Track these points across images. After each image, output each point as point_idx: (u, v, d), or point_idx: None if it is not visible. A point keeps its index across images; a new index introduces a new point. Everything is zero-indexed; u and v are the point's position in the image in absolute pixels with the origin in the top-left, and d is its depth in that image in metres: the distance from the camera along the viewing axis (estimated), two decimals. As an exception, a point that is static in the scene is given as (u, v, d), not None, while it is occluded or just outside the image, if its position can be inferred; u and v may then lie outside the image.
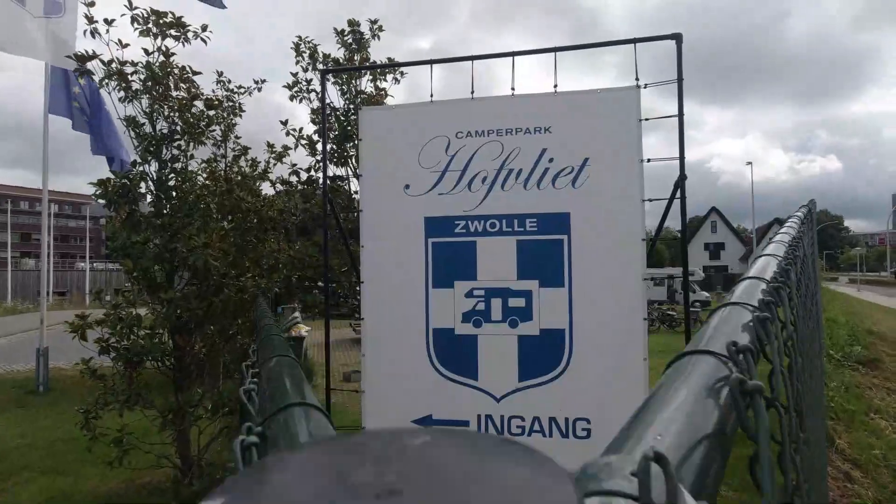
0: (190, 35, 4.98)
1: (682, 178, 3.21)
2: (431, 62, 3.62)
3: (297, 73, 5.60)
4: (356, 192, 5.52)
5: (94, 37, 4.58)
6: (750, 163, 30.77)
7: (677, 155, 3.27)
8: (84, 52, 4.67)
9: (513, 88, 3.45)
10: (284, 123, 5.69)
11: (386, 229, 3.62)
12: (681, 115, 3.20)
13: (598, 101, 3.31)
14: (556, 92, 3.38)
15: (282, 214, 5.30)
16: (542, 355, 3.33)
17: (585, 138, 3.31)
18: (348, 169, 5.61)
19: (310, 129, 7.31)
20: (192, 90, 5.01)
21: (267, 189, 6.11)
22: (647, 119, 3.26)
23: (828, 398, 3.86)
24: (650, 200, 3.29)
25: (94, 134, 5.87)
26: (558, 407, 3.30)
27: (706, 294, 27.68)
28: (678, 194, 3.24)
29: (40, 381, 9.23)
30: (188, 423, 5.20)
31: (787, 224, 1.59)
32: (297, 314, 10.02)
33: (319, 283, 5.98)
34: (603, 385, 3.22)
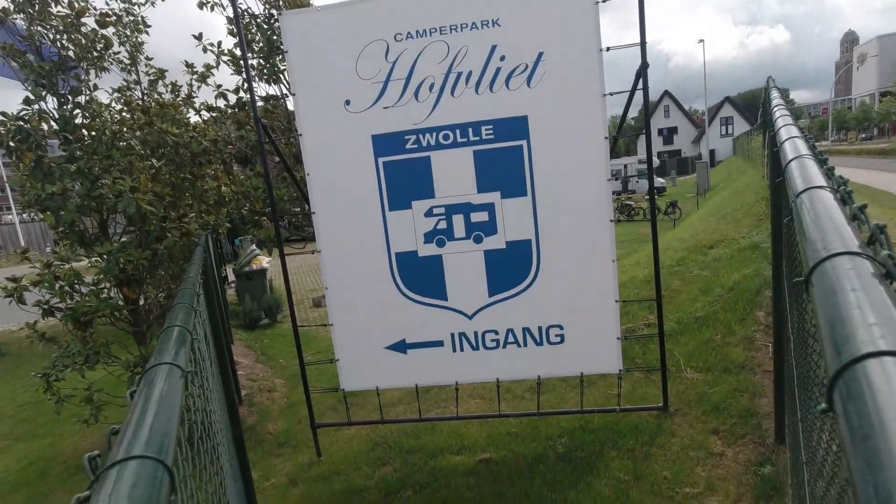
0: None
1: (644, 66, 2.96)
2: (356, -52, 3.07)
3: (202, -25, 4.79)
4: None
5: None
6: (702, 40, 30.05)
7: (636, 40, 2.99)
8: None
9: (454, -26, 2.99)
10: (198, 38, 4.97)
11: (330, 153, 3.30)
12: (642, -9, 2.88)
13: (551, -18, 2.92)
14: (502, -25, 2.95)
15: (216, 145, 4.79)
16: (511, 268, 3.25)
17: (538, 29, 2.97)
18: (282, 86, 5.04)
19: (230, 41, 6.49)
20: (77, 4, 4.22)
21: (194, 117, 5.50)
22: (603, 0, 2.92)
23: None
24: (611, 94, 3.06)
25: None
26: (531, 317, 3.29)
27: (661, 180, 28.44)
28: (640, 85, 3.02)
29: (-8, 346, 8.78)
30: (157, 372, 5.06)
31: (777, 113, 1.43)
32: (254, 246, 9.67)
33: (268, 210, 5.63)
34: (574, 290, 3.20)
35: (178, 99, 5.35)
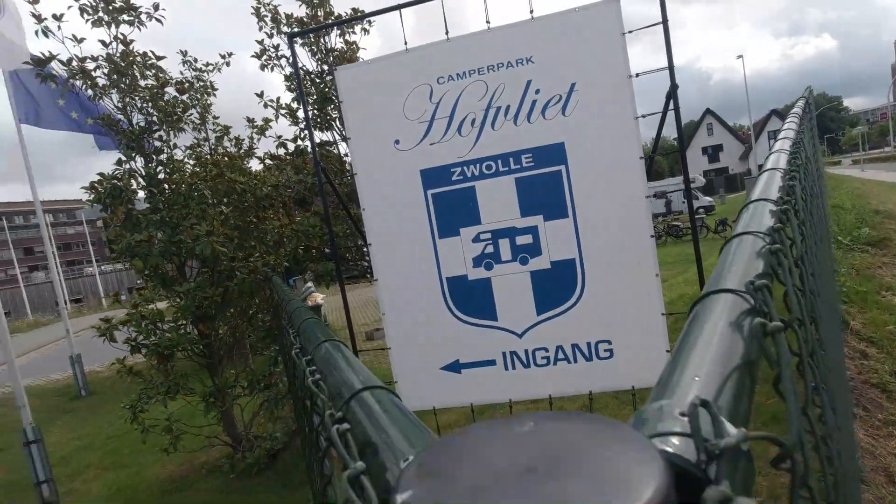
0: (143, 17, 4.75)
1: (674, 87, 3.13)
2: (400, 7, 3.46)
3: (262, 41, 5.39)
4: (346, 155, 5.45)
5: (46, 36, 4.39)
6: (741, 56, 29.58)
7: (665, 64, 3.18)
8: (41, 55, 4.50)
9: (487, 22, 3.31)
10: (260, 95, 5.53)
11: (383, 188, 3.61)
12: (665, 21, 3.08)
13: (578, 20, 3.18)
14: (532, 18, 3.24)
15: (276, 189, 5.26)
16: (557, 287, 3.40)
17: (569, 63, 3.21)
18: (334, 132, 5.50)
19: (287, 97, 7.11)
20: (160, 76, 4.85)
21: (256, 165, 6.05)
22: (630, 31, 3.14)
23: (839, 283, 3.94)
24: (643, 116, 3.23)
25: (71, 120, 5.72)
26: (579, 333, 3.40)
27: (709, 199, 27.59)
28: (671, 106, 3.18)
29: (80, 385, 9.57)
30: (229, 403, 5.44)
31: (785, 125, 1.58)
32: (309, 284, 10.16)
33: (326, 250, 6.04)
34: (620, 306, 3.30)
35: (241, 151, 5.92)
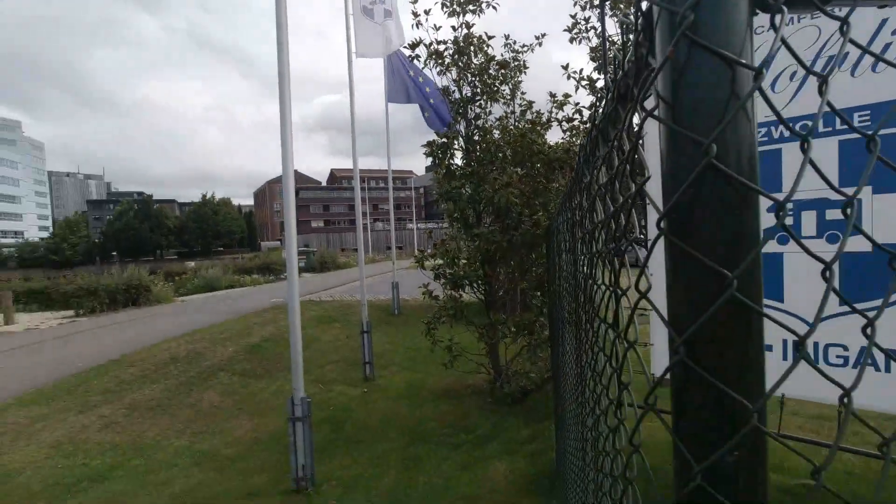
0: (483, 5, 5.74)
1: None
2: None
3: (574, 14, 5.79)
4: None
5: (418, 28, 5.81)
6: None
7: None
8: (413, 41, 5.98)
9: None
10: (565, 68, 5.99)
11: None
12: None
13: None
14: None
15: (567, 153, 5.69)
16: (875, 275, 2.79)
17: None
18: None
19: (588, 69, 7.41)
20: (488, 54, 5.80)
21: (551, 135, 6.61)
22: None
23: None
24: None
25: (427, 106, 7.41)
26: (899, 337, 2.73)
27: None
28: None
29: (395, 306, 12.40)
30: (497, 338, 6.29)
31: None
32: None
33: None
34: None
35: (541, 121, 6.54)
